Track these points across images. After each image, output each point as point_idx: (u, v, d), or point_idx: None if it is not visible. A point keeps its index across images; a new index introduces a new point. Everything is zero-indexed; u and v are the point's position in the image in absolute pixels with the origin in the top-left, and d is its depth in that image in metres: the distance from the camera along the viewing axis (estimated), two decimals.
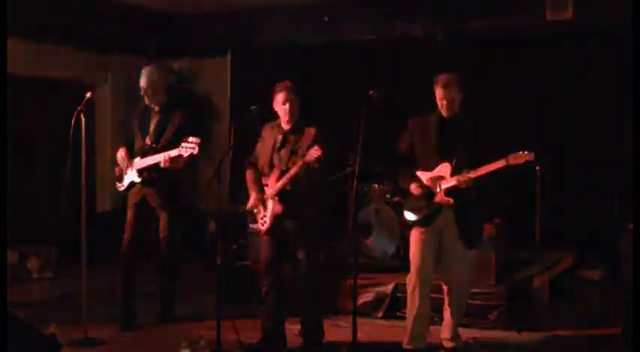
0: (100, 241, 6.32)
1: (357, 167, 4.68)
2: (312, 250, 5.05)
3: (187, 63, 9.65)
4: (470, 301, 5.59)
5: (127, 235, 5.74)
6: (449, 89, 4.75)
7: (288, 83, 5.05)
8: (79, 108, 5.25)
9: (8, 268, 7.49)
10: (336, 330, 5.61)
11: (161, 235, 5.79)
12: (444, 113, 4.80)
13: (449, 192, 4.72)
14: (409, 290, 4.86)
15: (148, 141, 5.68)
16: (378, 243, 6.87)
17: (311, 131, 4.98)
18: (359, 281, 5.17)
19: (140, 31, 9.14)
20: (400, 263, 6.32)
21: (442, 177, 4.75)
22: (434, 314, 5.28)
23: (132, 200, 5.77)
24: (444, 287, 4.96)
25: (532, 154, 4.54)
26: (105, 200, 8.63)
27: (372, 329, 5.68)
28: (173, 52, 9.57)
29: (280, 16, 9.13)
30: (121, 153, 5.77)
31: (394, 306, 5.92)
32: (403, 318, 5.15)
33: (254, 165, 5.22)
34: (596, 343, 5.40)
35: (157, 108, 5.75)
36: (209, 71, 9.57)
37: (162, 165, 5.46)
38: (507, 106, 7.88)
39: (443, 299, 5.01)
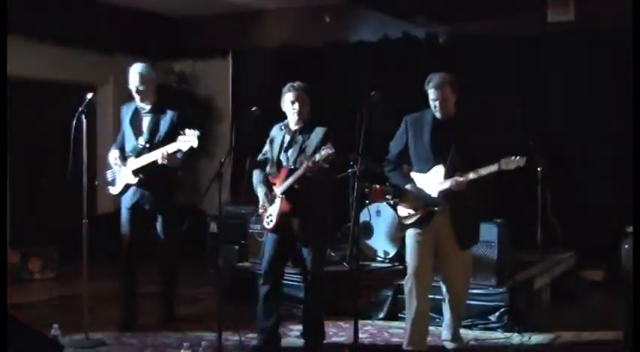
0: (102, 242, 6.32)
1: (358, 168, 4.66)
2: (318, 249, 5.03)
3: (189, 64, 9.66)
4: (471, 302, 5.61)
5: (125, 238, 5.68)
6: (441, 90, 4.65)
7: (297, 83, 5.03)
8: (80, 109, 5.23)
9: (10, 269, 7.52)
10: (337, 331, 5.61)
11: (159, 238, 5.73)
12: (438, 114, 4.73)
13: (443, 194, 4.68)
14: (407, 292, 4.82)
15: (141, 141, 5.58)
16: (379, 244, 6.86)
17: (320, 131, 4.96)
18: (358, 283, 5.19)
19: (142, 33, 9.16)
20: (401, 264, 6.32)
21: (436, 179, 4.70)
22: (435, 315, 5.28)
23: (126, 203, 5.67)
24: (443, 288, 4.95)
25: (524, 160, 4.47)
26: (106, 201, 8.63)
27: (373, 330, 5.68)
28: (174, 53, 9.59)
29: (281, 17, 9.14)
30: (113, 155, 5.68)
31: (395, 307, 5.91)
32: (404, 320, 5.13)
33: (261, 166, 5.20)
34: (598, 344, 5.40)
35: (148, 107, 5.62)
36: (210, 72, 9.58)
37: (159, 161, 5.36)
38: (508, 107, 7.87)
39: (443, 300, 5.00)
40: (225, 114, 9.46)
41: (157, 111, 5.62)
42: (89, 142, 5.31)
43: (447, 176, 4.65)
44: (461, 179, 4.57)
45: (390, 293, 5.98)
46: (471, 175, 4.56)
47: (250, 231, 6.81)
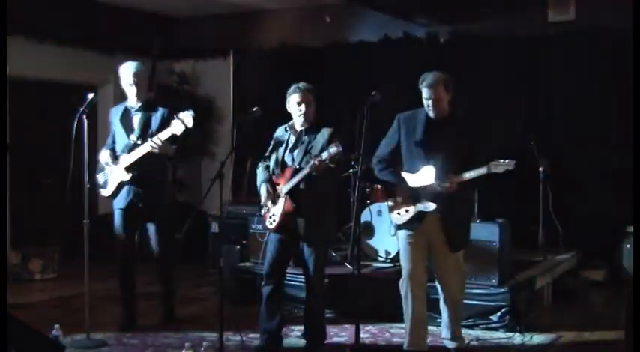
0: (103, 242, 6.32)
1: (359, 168, 4.65)
2: (320, 249, 5.02)
3: (189, 64, 9.66)
4: (473, 302, 5.61)
5: (120, 240, 5.66)
6: (434, 89, 4.60)
7: (303, 84, 5.01)
8: (81, 109, 5.23)
9: (11, 269, 7.52)
10: (339, 331, 5.61)
11: (153, 250, 5.67)
12: (431, 114, 4.67)
13: (433, 196, 4.63)
14: (403, 295, 4.78)
15: (133, 137, 5.53)
16: (381, 244, 6.85)
17: (326, 131, 4.94)
18: (360, 282, 5.19)
19: (143, 33, 9.15)
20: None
21: (426, 180, 4.64)
22: (436, 315, 5.27)
23: (120, 204, 5.63)
24: (439, 287, 4.90)
25: (513, 163, 4.41)
26: (107, 201, 8.63)
27: (374, 330, 5.68)
28: (175, 53, 9.59)
29: (282, 17, 9.14)
30: (104, 156, 5.63)
31: (397, 308, 5.89)
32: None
33: (265, 166, 5.18)
34: (599, 344, 5.40)
35: (138, 105, 5.58)
36: (211, 72, 9.58)
37: (152, 149, 5.30)
38: (509, 107, 7.87)
39: (439, 299, 4.95)
40: (225, 115, 9.46)
41: (147, 109, 5.59)
42: (90, 143, 5.30)
43: (437, 178, 4.59)
44: (453, 181, 4.52)
45: (391, 293, 5.96)
46: (460, 177, 4.52)
47: (252, 231, 6.80)
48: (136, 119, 5.59)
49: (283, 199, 4.95)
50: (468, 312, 5.51)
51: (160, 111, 5.55)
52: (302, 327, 5.26)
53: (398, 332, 5.51)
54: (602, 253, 7.20)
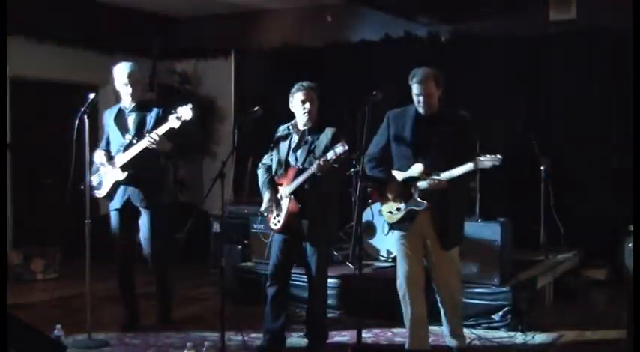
0: (104, 242, 6.31)
1: (361, 167, 4.65)
2: (323, 249, 5.01)
3: (191, 64, 9.67)
4: (475, 301, 5.61)
5: (117, 241, 5.65)
6: (425, 84, 4.56)
7: (306, 82, 4.99)
8: (82, 109, 5.22)
9: (12, 269, 7.52)
10: (340, 331, 5.61)
11: (143, 239, 5.63)
12: (421, 109, 4.63)
13: (423, 194, 4.59)
14: (401, 297, 4.75)
15: (128, 136, 5.49)
16: (382, 244, 6.85)
17: (330, 131, 4.93)
18: (361, 282, 5.18)
19: (143, 33, 9.15)
20: None
21: (415, 178, 4.61)
22: (439, 314, 5.26)
23: (116, 204, 5.60)
24: (435, 287, 4.85)
25: (500, 158, 4.37)
26: None
27: (376, 330, 5.67)
28: (176, 53, 9.59)
29: (283, 17, 9.14)
30: (99, 156, 5.59)
31: (398, 307, 5.89)
32: None
33: (266, 166, 5.17)
34: (601, 343, 5.39)
35: (132, 106, 5.56)
36: (212, 72, 9.58)
37: (150, 144, 5.26)
38: (509, 107, 7.87)
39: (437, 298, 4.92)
40: (227, 114, 9.46)
41: (142, 109, 5.56)
42: (91, 143, 5.30)
43: (426, 175, 4.55)
44: (441, 177, 4.50)
45: (392, 292, 5.96)
46: (447, 174, 4.48)
47: (253, 230, 6.79)
48: (131, 119, 5.56)
49: (287, 200, 4.94)
50: (470, 312, 5.51)
51: (155, 110, 5.52)
52: (304, 327, 5.26)
53: (400, 331, 5.50)
54: (603, 252, 7.20)
